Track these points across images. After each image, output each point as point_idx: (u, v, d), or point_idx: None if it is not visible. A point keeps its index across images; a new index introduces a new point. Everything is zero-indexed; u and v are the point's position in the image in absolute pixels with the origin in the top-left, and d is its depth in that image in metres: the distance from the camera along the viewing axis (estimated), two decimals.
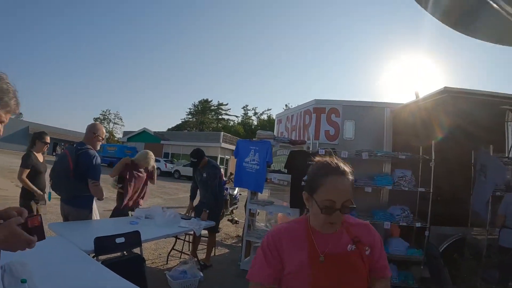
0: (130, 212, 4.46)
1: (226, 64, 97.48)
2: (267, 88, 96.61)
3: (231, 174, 12.28)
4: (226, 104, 61.07)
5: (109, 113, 71.33)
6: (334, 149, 4.92)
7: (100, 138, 3.66)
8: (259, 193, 5.55)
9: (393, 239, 4.75)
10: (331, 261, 1.33)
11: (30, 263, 1.78)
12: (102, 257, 2.74)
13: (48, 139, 4.47)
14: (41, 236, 1.28)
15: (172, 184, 20.77)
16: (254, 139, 5.39)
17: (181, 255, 5.26)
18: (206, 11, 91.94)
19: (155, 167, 4.87)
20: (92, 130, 3.61)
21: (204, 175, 4.97)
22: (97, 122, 3.58)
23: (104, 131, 3.83)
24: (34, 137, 4.45)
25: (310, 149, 5.18)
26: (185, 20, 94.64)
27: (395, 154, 4.84)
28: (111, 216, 4.44)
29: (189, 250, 5.28)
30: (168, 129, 46.22)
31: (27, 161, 4.19)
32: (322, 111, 5.66)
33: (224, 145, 33.15)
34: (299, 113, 6.22)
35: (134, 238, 3.06)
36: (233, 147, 34.70)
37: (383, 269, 1.45)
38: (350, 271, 1.34)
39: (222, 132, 35.76)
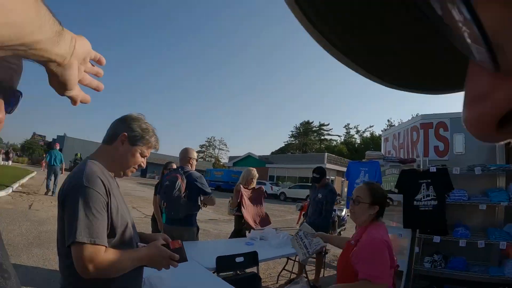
0: (246, 232, 4.79)
1: (322, 84, 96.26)
2: (368, 104, 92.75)
3: (338, 195, 12.12)
4: (328, 124, 60.71)
5: (214, 140, 76.40)
6: (444, 165, 4.74)
7: (195, 160, 4.01)
8: None
9: (509, 260, 4.27)
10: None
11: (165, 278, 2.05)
12: (222, 274, 2.99)
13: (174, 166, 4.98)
14: (183, 258, 1.46)
15: (278, 206, 21.25)
16: (363, 160, 5.43)
17: (290, 275, 5.42)
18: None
19: (263, 189, 5.16)
20: (187, 154, 3.97)
21: (320, 196, 4.97)
22: (188, 147, 4.05)
23: (195, 153, 4.20)
24: (164, 167, 5.12)
25: (421, 167, 4.98)
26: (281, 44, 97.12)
27: (510, 167, 4.47)
28: (230, 237, 4.88)
29: (297, 270, 5.41)
30: (272, 153, 47.53)
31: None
32: (429, 126, 5.41)
33: (328, 165, 32.70)
34: (406, 130, 6.00)
35: (252, 258, 3.28)
36: (337, 168, 34.51)
37: (357, 272, 1.72)
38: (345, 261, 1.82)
39: (326, 153, 35.52)
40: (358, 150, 49.23)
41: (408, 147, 5.88)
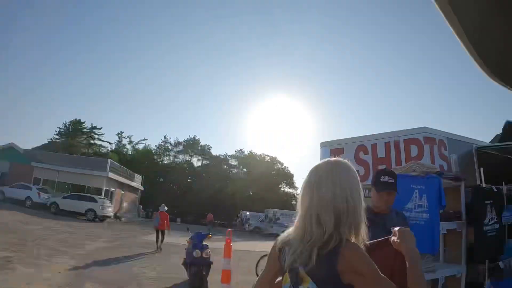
0: None
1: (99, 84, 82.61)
2: (146, 116, 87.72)
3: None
4: (100, 128, 54.00)
5: None
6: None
7: None
8: None
9: None
10: None
11: None
12: None
13: None
14: None
15: (55, 222, 16.31)
16: (413, 173, 4.10)
17: None
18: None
19: None
20: None
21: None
22: None
23: None
24: None
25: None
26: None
27: None
28: None
29: None
30: (34, 148, 36.65)
31: None
32: (433, 142, 4.97)
33: (111, 175, 28.13)
34: (395, 142, 5.22)
35: None
36: (120, 179, 30.05)
37: None
38: None
39: (110, 160, 30.38)
40: (130, 161, 46.10)
41: (400, 162, 5.08)
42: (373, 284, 1.22)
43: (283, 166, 58.76)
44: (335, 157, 5.39)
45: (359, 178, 1.38)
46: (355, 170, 1.41)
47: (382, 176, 2.69)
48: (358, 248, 1.27)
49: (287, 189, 57.10)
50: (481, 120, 77.79)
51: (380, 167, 5.05)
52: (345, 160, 1.41)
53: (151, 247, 12.87)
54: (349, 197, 1.27)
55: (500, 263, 4.38)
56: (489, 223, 4.28)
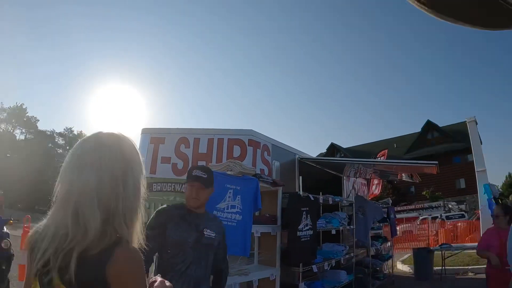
0: None
1: None
2: None
3: None
4: None
5: None
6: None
7: None
8: None
9: None
10: None
11: None
12: None
13: None
14: None
15: None
16: (229, 172, 3.68)
17: None
18: None
19: None
20: None
21: (209, 232, 2.37)
22: None
23: None
24: None
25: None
26: None
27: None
28: None
29: None
30: None
31: None
32: (257, 146, 4.84)
33: None
34: (218, 140, 4.85)
35: None
36: None
37: None
38: None
39: None
40: None
41: (220, 160, 4.73)
42: None
43: None
44: (154, 146, 4.80)
45: (141, 160, 1.12)
46: (136, 147, 1.13)
47: (195, 170, 2.43)
48: (137, 254, 1.01)
49: None
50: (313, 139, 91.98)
51: (200, 163, 4.72)
52: (123, 134, 1.13)
53: None
54: (122, 185, 1.01)
55: (314, 266, 4.54)
56: (304, 229, 4.38)
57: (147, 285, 1.08)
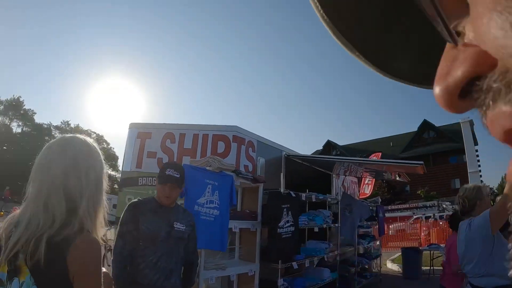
0: None
1: None
2: None
3: None
4: None
5: None
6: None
7: None
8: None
9: None
10: None
11: None
12: None
13: None
14: None
15: None
16: (208, 167, 3.68)
17: None
18: None
19: None
20: None
21: (179, 225, 2.40)
22: None
23: None
24: None
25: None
26: None
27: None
28: None
29: None
30: None
31: None
32: (242, 142, 4.82)
33: None
34: (203, 136, 4.87)
35: None
36: None
37: None
38: None
39: None
40: None
41: (203, 155, 4.76)
42: None
43: (108, 146, 55.47)
44: (141, 140, 4.81)
45: (102, 158, 1.27)
46: (97, 148, 1.26)
47: (168, 169, 2.43)
48: (97, 244, 1.13)
49: (110, 172, 53.32)
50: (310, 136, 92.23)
51: (185, 158, 4.81)
52: (83, 136, 1.27)
53: None
54: (85, 180, 1.15)
55: (294, 263, 4.54)
56: (285, 226, 4.38)
57: (101, 274, 1.14)
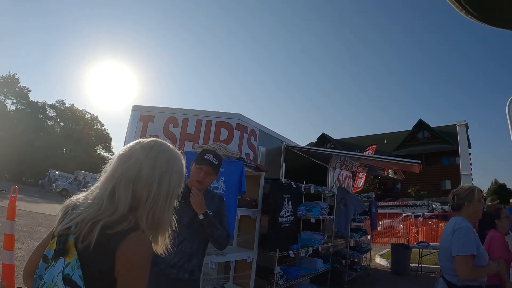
0: None
1: None
2: None
3: None
4: None
5: None
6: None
7: None
8: None
9: None
10: None
11: None
12: None
13: None
14: None
15: None
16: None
17: None
18: None
19: None
20: None
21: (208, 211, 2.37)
22: None
23: None
24: None
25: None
26: None
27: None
28: None
29: None
30: None
31: None
32: (245, 131, 4.86)
33: None
34: (207, 122, 4.88)
35: None
36: None
37: None
38: None
39: None
40: None
41: (207, 142, 4.78)
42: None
43: (103, 127, 55.02)
44: (143, 123, 4.80)
45: (183, 173, 1.23)
46: (183, 163, 1.24)
47: (207, 153, 2.39)
48: (148, 245, 1.11)
49: (103, 153, 53.44)
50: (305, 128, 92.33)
51: (187, 143, 4.86)
52: (175, 148, 1.25)
53: None
54: (156, 184, 1.13)
55: (291, 252, 4.61)
56: (285, 215, 4.44)
57: (147, 277, 1.11)
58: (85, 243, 1.01)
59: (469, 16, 0.44)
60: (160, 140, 1.24)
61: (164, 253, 2.12)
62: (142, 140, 1.22)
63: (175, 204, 1.20)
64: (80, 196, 1.18)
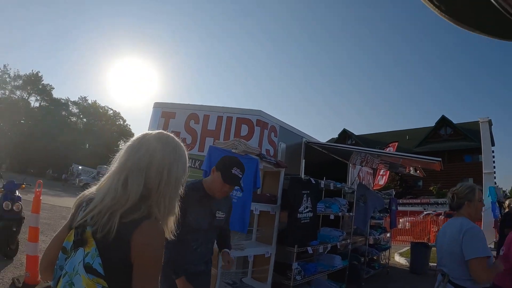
0: None
1: None
2: None
3: None
4: None
5: None
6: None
7: None
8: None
9: None
10: None
11: None
12: None
13: None
14: None
15: None
16: (234, 150, 3.82)
17: None
18: None
19: None
20: None
21: (220, 214, 2.44)
22: None
23: None
24: None
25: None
26: None
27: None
28: None
29: None
30: None
31: None
32: (265, 127, 4.89)
33: None
34: (227, 118, 4.97)
35: None
36: None
37: None
38: None
39: None
40: None
41: (228, 138, 4.85)
42: (144, 276, 1.09)
43: (125, 123, 56.06)
44: (165, 119, 4.92)
45: (187, 162, 1.30)
46: (186, 153, 1.31)
47: (234, 168, 2.32)
48: (161, 232, 1.16)
49: None
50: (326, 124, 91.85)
51: (208, 139, 4.90)
52: (180, 141, 1.32)
53: None
54: (166, 172, 1.19)
55: (309, 248, 4.62)
56: (304, 211, 4.46)
57: (161, 262, 1.16)
58: (103, 232, 1.06)
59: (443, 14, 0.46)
60: (166, 132, 1.30)
61: (182, 255, 2.20)
62: (149, 132, 1.27)
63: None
64: (92, 189, 1.24)
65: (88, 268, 1.04)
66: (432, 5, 0.45)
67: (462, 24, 0.46)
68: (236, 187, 2.43)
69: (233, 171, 2.30)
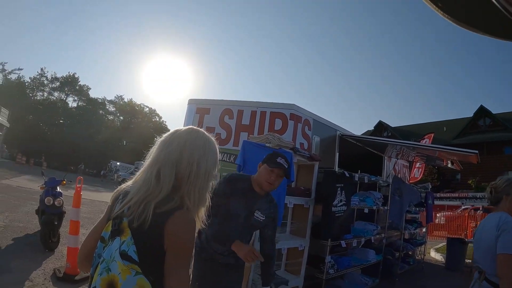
0: None
1: None
2: (21, 43, 72.71)
3: None
4: None
5: None
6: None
7: None
8: None
9: None
10: None
11: None
12: None
13: None
14: None
15: None
16: (268, 144, 3.84)
17: None
18: None
19: None
20: None
21: (259, 214, 2.42)
22: None
23: None
24: None
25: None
26: None
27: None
28: None
29: None
30: None
31: None
32: (299, 120, 4.92)
33: None
34: (261, 113, 5.01)
35: None
36: None
37: None
38: None
39: None
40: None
41: (262, 133, 4.90)
42: (176, 263, 1.16)
43: (161, 120, 57.28)
44: (200, 116, 5.05)
45: (218, 156, 1.35)
46: (217, 147, 1.36)
47: (279, 157, 2.40)
48: (192, 221, 1.22)
49: None
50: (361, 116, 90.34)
51: (242, 134, 5.00)
52: (210, 136, 1.38)
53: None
54: (196, 164, 1.25)
55: (342, 242, 4.63)
56: (338, 205, 4.44)
57: (192, 251, 1.23)
58: (138, 222, 1.13)
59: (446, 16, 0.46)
60: (196, 128, 1.36)
61: (215, 240, 2.26)
62: (180, 128, 1.34)
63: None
64: (129, 182, 1.32)
65: (124, 255, 1.12)
66: (434, 6, 0.46)
67: (469, 26, 0.47)
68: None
69: (278, 159, 2.37)
